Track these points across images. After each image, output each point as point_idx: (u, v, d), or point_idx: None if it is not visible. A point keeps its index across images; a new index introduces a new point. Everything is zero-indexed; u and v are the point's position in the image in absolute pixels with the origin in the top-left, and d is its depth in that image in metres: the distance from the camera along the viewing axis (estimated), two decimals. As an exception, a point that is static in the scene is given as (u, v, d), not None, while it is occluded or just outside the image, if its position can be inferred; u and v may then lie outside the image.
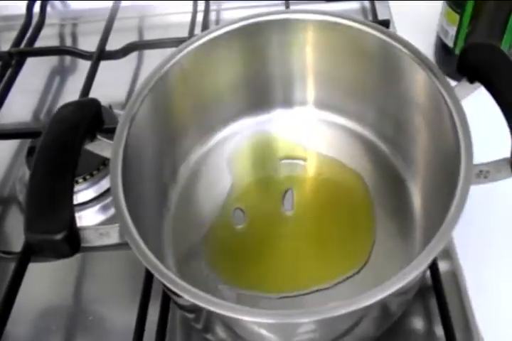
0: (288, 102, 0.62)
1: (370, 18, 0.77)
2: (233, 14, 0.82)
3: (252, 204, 0.58)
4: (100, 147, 0.47)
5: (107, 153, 0.46)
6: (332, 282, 0.51)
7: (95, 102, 0.47)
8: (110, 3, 0.80)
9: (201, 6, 0.79)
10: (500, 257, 0.55)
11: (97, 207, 0.62)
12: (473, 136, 0.43)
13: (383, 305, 0.42)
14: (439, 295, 0.49)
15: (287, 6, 0.76)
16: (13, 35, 0.77)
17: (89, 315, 0.54)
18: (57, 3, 0.87)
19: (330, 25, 0.54)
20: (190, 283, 0.38)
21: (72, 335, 0.54)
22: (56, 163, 0.42)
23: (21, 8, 0.81)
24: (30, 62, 0.74)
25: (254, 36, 0.55)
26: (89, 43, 0.75)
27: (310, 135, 0.62)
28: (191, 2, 0.80)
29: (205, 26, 0.75)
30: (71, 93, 0.74)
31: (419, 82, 0.50)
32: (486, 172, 0.42)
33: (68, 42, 0.85)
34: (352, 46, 0.54)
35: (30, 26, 0.79)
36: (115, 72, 0.75)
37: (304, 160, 0.60)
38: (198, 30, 0.73)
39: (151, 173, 0.52)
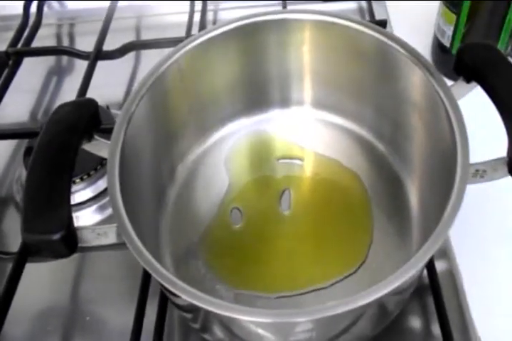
0: (285, 102, 0.62)
1: (368, 18, 0.77)
2: (230, 14, 0.82)
3: (250, 203, 0.58)
4: (97, 147, 0.47)
5: (104, 153, 0.46)
6: (329, 281, 0.51)
7: (92, 102, 0.47)
8: (107, 3, 0.80)
9: (198, 6, 0.79)
10: (496, 256, 0.56)
11: (94, 207, 0.61)
12: (469, 136, 0.43)
13: (380, 304, 0.42)
14: (436, 294, 0.50)
15: (284, 6, 0.76)
16: (10, 35, 0.77)
17: (87, 316, 0.54)
18: (54, 3, 0.87)
19: (327, 25, 0.54)
20: (188, 282, 0.38)
21: (69, 335, 0.54)
22: (53, 163, 0.42)
23: (18, 8, 0.81)
24: (28, 62, 0.74)
25: (251, 36, 0.55)
26: (86, 43, 0.75)
27: (307, 134, 0.62)
28: (188, 2, 0.80)
29: (202, 26, 0.75)
30: (68, 93, 0.73)
31: (416, 81, 0.50)
32: (483, 172, 0.43)
33: (65, 42, 0.85)
34: (349, 46, 0.55)
35: (27, 26, 0.79)
36: (112, 72, 0.75)
37: (301, 159, 0.61)
38: (195, 30, 0.73)
39: (148, 173, 0.52)
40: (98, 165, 0.61)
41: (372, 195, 0.57)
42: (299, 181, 0.59)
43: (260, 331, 0.41)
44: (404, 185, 0.56)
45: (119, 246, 0.41)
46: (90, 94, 0.66)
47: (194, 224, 0.56)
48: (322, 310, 0.37)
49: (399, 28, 0.76)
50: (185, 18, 0.77)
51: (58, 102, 0.67)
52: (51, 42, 0.84)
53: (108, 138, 0.46)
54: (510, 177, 0.42)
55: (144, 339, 0.48)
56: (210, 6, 0.83)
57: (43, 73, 0.80)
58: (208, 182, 0.59)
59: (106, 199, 0.61)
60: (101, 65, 0.71)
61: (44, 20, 0.81)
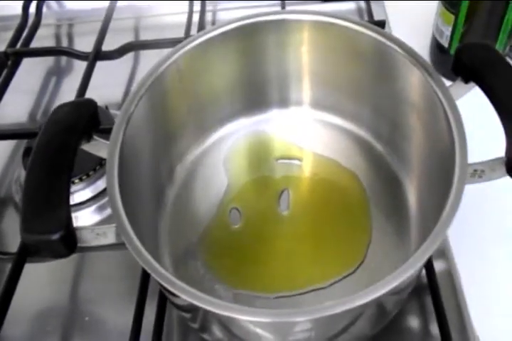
0: (284, 102, 0.62)
1: (366, 18, 0.77)
2: (229, 15, 0.82)
3: (248, 204, 0.58)
4: (97, 147, 0.47)
5: (103, 154, 0.46)
6: (328, 281, 0.51)
7: (92, 102, 0.47)
8: (106, 4, 0.80)
9: (197, 6, 0.79)
10: (495, 256, 0.56)
11: (93, 207, 0.61)
12: (467, 136, 0.43)
13: (379, 304, 0.42)
14: (435, 294, 0.50)
15: (283, 7, 0.76)
16: (9, 35, 0.77)
17: (86, 316, 0.54)
18: (53, 4, 0.87)
19: (326, 25, 0.54)
20: (187, 282, 0.38)
21: (68, 336, 0.54)
22: (52, 163, 0.42)
23: (17, 8, 0.81)
24: (26, 62, 0.74)
25: (250, 37, 0.55)
26: (85, 44, 0.75)
27: (306, 135, 0.62)
28: (187, 3, 0.80)
29: (201, 27, 0.75)
30: (67, 93, 0.73)
31: (414, 82, 0.50)
32: (481, 172, 0.43)
33: (64, 43, 0.85)
34: (348, 46, 0.55)
35: (26, 26, 0.79)
36: (111, 73, 0.75)
37: (300, 160, 0.61)
38: (194, 30, 0.73)
39: (147, 173, 0.52)
40: (97, 166, 0.61)
41: (370, 195, 0.57)
42: (298, 181, 0.59)
43: (259, 331, 0.41)
44: (403, 184, 0.56)
45: (118, 246, 0.41)
46: (89, 94, 0.66)
47: (193, 224, 0.56)
48: (321, 309, 0.37)
49: (397, 28, 0.76)
50: (183, 18, 0.77)
51: (57, 103, 0.67)
52: (50, 43, 0.84)
53: (107, 138, 0.46)
54: (508, 177, 0.42)
55: (143, 339, 0.48)
56: (209, 6, 0.83)
57: (42, 73, 0.80)
58: (207, 182, 0.59)
59: (105, 200, 0.61)
60: (100, 65, 0.71)
61: (43, 21, 0.81)
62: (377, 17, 0.76)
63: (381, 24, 0.70)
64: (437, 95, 0.46)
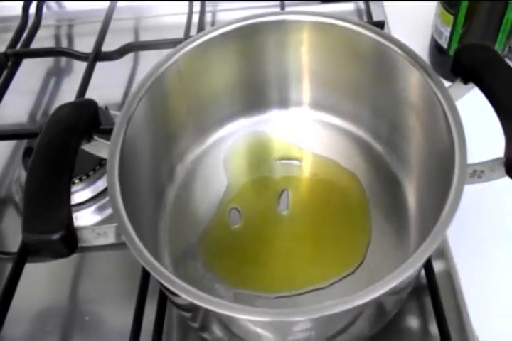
0: (284, 103, 0.62)
1: (365, 19, 0.77)
2: (228, 15, 0.82)
3: (248, 204, 0.58)
4: (97, 147, 0.47)
5: (103, 154, 0.46)
6: (328, 282, 0.51)
7: (92, 103, 0.47)
8: (106, 5, 0.80)
9: (197, 7, 0.79)
10: (494, 256, 0.56)
11: (93, 207, 0.62)
12: (467, 136, 0.43)
13: (378, 304, 0.43)
14: (434, 294, 0.50)
15: (282, 8, 0.76)
16: (9, 36, 0.77)
17: (86, 315, 0.54)
18: (53, 4, 0.87)
19: (325, 26, 0.54)
20: (187, 282, 0.38)
21: (68, 335, 0.54)
22: (53, 163, 0.42)
23: (17, 9, 0.81)
24: (27, 63, 0.75)
25: (250, 37, 0.55)
26: (85, 44, 0.75)
27: (305, 135, 0.62)
28: (187, 3, 0.80)
29: (200, 27, 0.75)
30: (67, 94, 0.73)
31: (413, 82, 0.50)
32: (480, 172, 0.43)
33: (64, 44, 0.85)
34: (347, 47, 0.55)
35: (26, 27, 0.79)
36: (111, 73, 0.75)
37: (300, 160, 0.61)
38: (193, 31, 0.73)
39: (147, 173, 0.52)
40: (97, 166, 0.61)
41: (370, 196, 0.57)
42: (298, 182, 0.59)
43: (259, 330, 0.41)
44: (402, 185, 0.56)
45: (119, 246, 0.42)
46: (89, 95, 0.66)
47: (193, 224, 0.56)
48: (320, 309, 0.37)
49: (396, 29, 0.76)
50: (183, 19, 0.77)
51: (57, 103, 0.67)
52: (50, 44, 0.84)
53: (107, 138, 0.46)
54: (507, 177, 0.42)
55: (143, 338, 0.48)
56: (209, 7, 0.83)
57: (42, 74, 0.80)
58: (207, 182, 0.59)
59: (105, 200, 0.62)
60: (100, 66, 0.72)
61: (43, 22, 0.81)
62: (376, 18, 0.76)
63: (380, 25, 0.70)
64: (437, 96, 0.46)
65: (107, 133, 0.47)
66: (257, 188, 0.59)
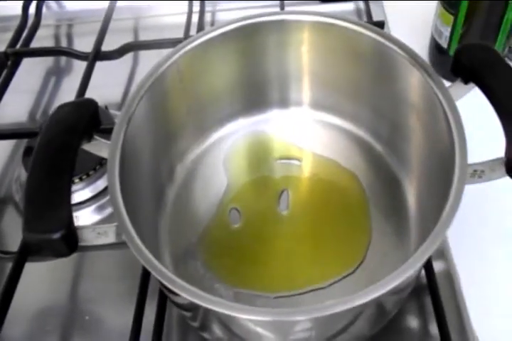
0: (284, 103, 0.62)
1: (365, 19, 0.77)
2: (228, 15, 0.82)
3: (248, 204, 0.58)
4: (97, 147, 0.47)
5: (104, 153, 0.46)
6: (327, 282, 0.51)
7: (92, 102, 0.47)
8: (106, 4, 0.80)
9: (196, 7, 0.79)
10: (494, 256, 0.56)
11: (93, 207, 0.62)
12: (467, 136, 0.43)
13: (378, 304, 0.43)
14: (434, 294, 0.50)
15: (282, 7, 0.76)
16: (9, 35, 0.77)
17: (86, 315, 0.54)
18: (53, 4, 0.87)
19: (325, 26, 0.54)
20: (187, 281, 0.38)
21: (68, 335, 0.54)
22: (54, 163, 0.42)
23: (17, 8, 0.81)
24: (26, 62, 0.75)
25: (250, 37, 0.55)
26: (84, 44, 0.75)
27: (305, 135, 0.62)
28: (186, 3, 0.80)
29: (200, 27, 0.75)
30: (67, 93, 0.73)
31: (413, 82, 0.50)
32: (481, 172, 0.43)
33: (64, 43, 0.85)
34: (347, 47, 0.55)
35: (26, 27, 0.79)
36: (111, 73, 0.75)
37: (300, 160, 0.61)
38: (193, 31, 0.73)
39: (147, 173, 0.52)
40: (97, 165, 0.61)
41: (370, 195, 0.57)
42: (298, 181, 0.59)
43: (259, 330, 0.41)
44: (402, 185, 0.56)
45: (118, 245, 0.42)
46: (89, 94, 0.66)
47: (193, 224, 0.56)
48: (320, 309, 0.37)
49: (396, 29, 0.76)
50: (183, 19, 0.77)
51: (57, 103, 0.68)
52: (50, 43, 0.84)
53: (107, 138, 0.46)
54: (508, 177, 0.42)
55: (143, 338, 0.48)
56: (208, 7, 0.83)
57: (42, 74, 0.80)
58: (207, 182, 0.59)
59: (105, 199, 0.62)
60: (99, 65, 0.72)
61: (43, 21, 0.81)
62: (376, 18, 0.76)
63: (380, 25, 0.70)
64: (437, 96, 0.46)
65: (107, 133, 0.47)
66: (257, 188, 0.59)
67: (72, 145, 0.43)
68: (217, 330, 0.45)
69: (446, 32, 0.67)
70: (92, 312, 0.54)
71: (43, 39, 0.81)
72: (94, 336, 0.53)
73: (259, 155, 0.61)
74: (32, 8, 0.82)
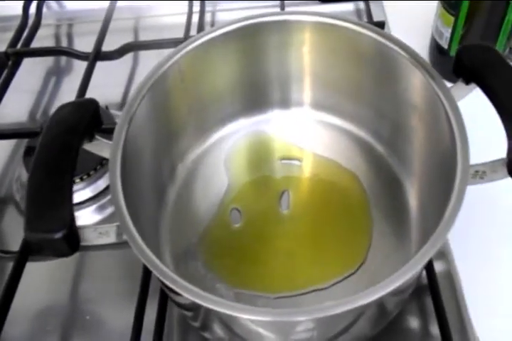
0: (285, 103, 0.62)
1: (365, 19, 0.77)
2: (228, 15, 0.82)
3: (249, 204, 0.58)
4: (99, 147, 0.47)
5: (105, 153, 0.46)
6: (329, 282, 0.51)
7: (93, 102, 0.47)
8: (106, 4, 0.80)
9: (196, 7, 0.79)
10: (495, 257, 0.56)
11: (94, 206, 0.62)
12: (469, 137, 0.43)
13: (379, 305, 0.43)
14: (435, 295, 0.50)
15: (282, 8, 0.76)
16: (9, 35, 0.77)
17: (87, 315, 0.54)
18: (53, 4, 0.87)
19: (326, 26, 0.54)
20: (188, 281, 0.38)
21: (69, 335, 0.54)
22: (55, 163, 0.42)
23: (17, 8, 0.81)
24: (27, 62, 0.74)
25: (251, 37, 0.55)
26: (85, 44, 0.75)
27: (306, 135, 0.62)
28: (186, 3, 0.80)
29: (200, 27, 0.75)
30: (67, 93, 0.73)
31: (415, 83, 0.50)
32: (482, 173, 0.43)
33: (64, 43, 0.85)
34: (348, 47, 0.55)
35: (27, 27, 0.79)
36: (111, 73, 0.75)
37: (300, 160, 0.61)
38: (193, 31, 0.73)
39: (149, 173, 0.52)
40: (98, 165, 0.61)
41: (371, 196, 0.57)
42: (298, 182, 0.59)
43: (260, 330, 0.41)
44: (403, 186, 0.56)
45: (119, 245, 0.42)
46: (89, 94, 0.66)
47: (194, 224, 0.56)
48: (322, 309, 0.37)
49: (396, 29, 0.77)
50: (183, 19, 0.77)
51: (57, 103, 0.68)
52: (50, 43, 0.84)
53: (108, 138, 0.46)
54: (509, 178, 0.42)
55: (144, 338, 0.48)
56: (208, 7, 0.83)
57: (42, 73, 0.80)
58: (208, 182, 0.59)
59: (106, 199, 0.62)
60: (100, 65, 0.71)
61: (43, 21, 0.81)
62: (376, 18, 0.76)
63: (380, 25, 0.70)
64: (439, 96, 0.46)
65: (108, 133, 0.47)
66: (258, 188, 0.59)
67: (73, 146, 0.43)
68: (218, 330, 0.45)
69: (447, 33, 0.67)
70: (93, 312, 0.54)
71: (43, 39, 0.81)
72: (95, 336, 0.53)
73: (260, 155, 0.61)
74: (32, 8, 0.82)
